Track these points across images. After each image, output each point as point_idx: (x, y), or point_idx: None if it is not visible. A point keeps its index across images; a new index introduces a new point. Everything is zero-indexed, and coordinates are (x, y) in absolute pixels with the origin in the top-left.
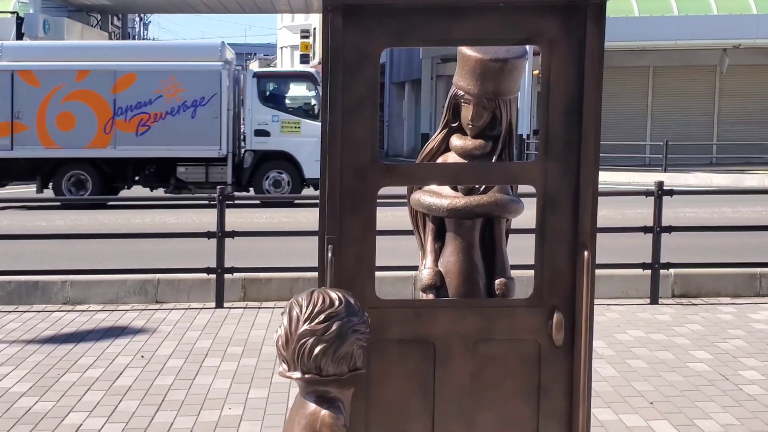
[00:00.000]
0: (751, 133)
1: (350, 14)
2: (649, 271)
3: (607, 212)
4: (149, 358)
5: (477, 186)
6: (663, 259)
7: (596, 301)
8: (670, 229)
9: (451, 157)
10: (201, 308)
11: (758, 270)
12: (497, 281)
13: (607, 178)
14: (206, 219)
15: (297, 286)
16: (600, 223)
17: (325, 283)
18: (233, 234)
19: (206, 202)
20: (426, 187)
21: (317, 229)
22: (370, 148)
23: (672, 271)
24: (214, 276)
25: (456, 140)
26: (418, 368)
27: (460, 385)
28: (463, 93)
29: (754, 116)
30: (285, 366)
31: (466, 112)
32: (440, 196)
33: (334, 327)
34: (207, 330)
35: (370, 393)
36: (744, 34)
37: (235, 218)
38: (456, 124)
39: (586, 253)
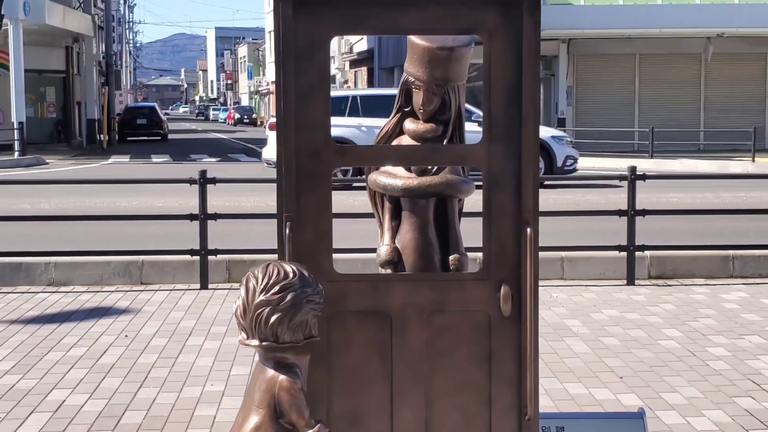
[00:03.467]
0: (738, 121)
1: (301, 4)
2: (625, 253)
3: (591, 197)
4: (133, 337)
5: (430, 167)
6: (640, 242)
7: (574, 283)
8: (644, 212)
9: (405, 140)
10: (186, 289)
11: (731, 252)
12: (451, 257)
13: (595, 164)
14: (193, 202)
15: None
16: (583, 207)
17: (284, 258)
18: (215, 216)
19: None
20: (382, 168)
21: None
22: (323, 130)
23: (648, 253)
24: (198, 258)
25: (409, 124)
26: (377, 337)
27: (417, 352)
28: (413, 79)
29: (739, 103)
30: (244, 334)
31: (417, 98)
32: (395, 177)
33: (288, 297)
34: (191, 310)
35: (331, 360)
36: (726, 23)
37: (223, 201)
38: (408, 109)
39: (528, 229)
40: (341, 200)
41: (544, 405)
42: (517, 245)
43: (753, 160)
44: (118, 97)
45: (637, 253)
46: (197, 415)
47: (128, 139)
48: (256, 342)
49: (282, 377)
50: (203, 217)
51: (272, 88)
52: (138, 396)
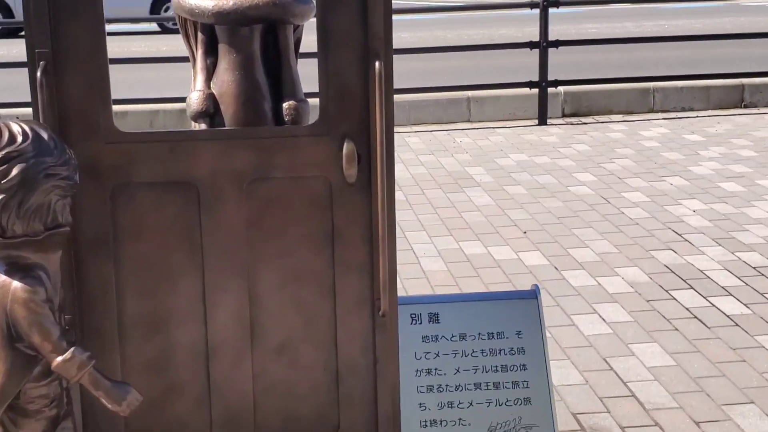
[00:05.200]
0: None
1: None
2: (536, 90)
3: (506, 31)
4: None
5: None
6: (553, 77)
7: (481, 125)
8: (558, 43)
9: None
10: None
11: (651, 84)
12: (285, 104)
13: None
14: None
15: (157, 120)
16: (497, 41)
17: (38, 114)
18: None
19: None
20: None
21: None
22: None
23: (561, 88)
24: None
25: None
26: (180, 217)
27: (235, 235)
28: None
29: None
30: None
31: None
32: None
33: (15, 171)
34: None
35: (118, 251)
36: None
37: None
38: None
39: (377, 63)
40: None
41: (433, 269)
42: (364, 86)
43: None
44: None
45: (550, 90)
46: None
47: None
48: None
49: (16, 285)
50: None
51: None
52: None
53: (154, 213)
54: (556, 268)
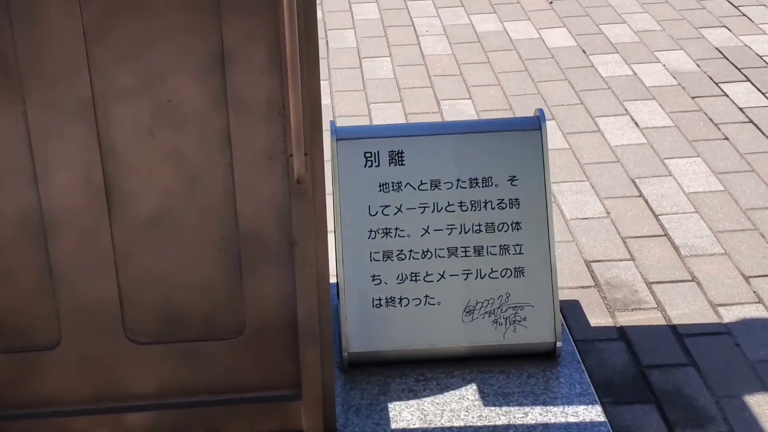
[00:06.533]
0: None
1: None
2: None
3: None
4: None
5: None
6: None
7: None
8: None
9: None
10: None
11: None
12: None
13: None
14: None
15: None
16: None
17: None
18: None
19: None
20: None
21: None
22: None
23: None
24: None
25: None
26: None
27: (68, 54)
28: None
29: None
30: None
31: None
32: None
33: None
34: None
35: None
36: None
37: None
38: None
39: None
40: None
41: (435, 52)
42: None
43: None
44: None
45: None
46: None
47: None
48: None
49: None
50: None
51: None
52: None
53: None
54: (584, 52)
